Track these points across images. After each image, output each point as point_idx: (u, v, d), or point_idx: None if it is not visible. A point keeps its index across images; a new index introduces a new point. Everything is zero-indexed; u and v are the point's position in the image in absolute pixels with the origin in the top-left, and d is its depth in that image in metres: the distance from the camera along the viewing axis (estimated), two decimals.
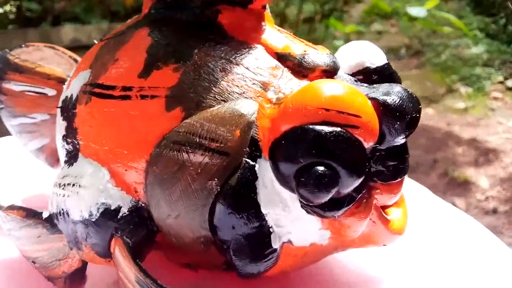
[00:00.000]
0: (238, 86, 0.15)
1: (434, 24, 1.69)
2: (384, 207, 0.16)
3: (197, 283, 0.18)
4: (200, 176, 0.14)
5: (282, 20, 1.31)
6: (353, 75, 0.16)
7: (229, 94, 0.15)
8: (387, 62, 0.16)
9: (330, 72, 0.15)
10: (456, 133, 1.73)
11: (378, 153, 0.15)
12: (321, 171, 0.13)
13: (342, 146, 0.13)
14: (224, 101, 0.14)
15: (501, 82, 1.97)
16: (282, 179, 0.14)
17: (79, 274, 0.18)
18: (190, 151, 0.14)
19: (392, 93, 0.14)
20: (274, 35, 0.16)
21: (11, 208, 0.18)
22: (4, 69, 0.25)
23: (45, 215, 0.18)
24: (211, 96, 0.15)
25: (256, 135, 0.14)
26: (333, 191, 0.13)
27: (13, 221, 0.18)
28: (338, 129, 0.13)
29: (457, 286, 0.19)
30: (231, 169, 0.14)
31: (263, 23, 0.17)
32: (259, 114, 0.14)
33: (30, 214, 0.18)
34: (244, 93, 0.15)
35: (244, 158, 0.14)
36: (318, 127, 0.13)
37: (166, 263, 0.18)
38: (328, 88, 0.14)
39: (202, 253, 0.16)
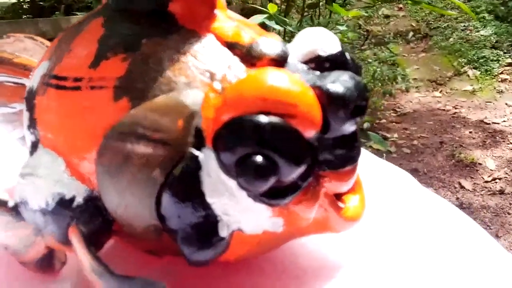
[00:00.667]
0: (185, 76, 0.15)
1: (440, 7, 1.66)
2: (340, 194, 0.17)
3: (161, 268, 0.18)
4: (145, 166, 0.14)
5: (288, 6, 1.29)
6: (306, 62, 0.16)
7: (175, 83, 0.15)
8: (340, 50, 0.16)
9: (279, 60, 0.15)
10: (463, 116, 1.71)
11: (325, 142, 0.14)
12: (258, 161, 0.13)
13: (279, 135, 0.13)
14: (170, 91, 0.15)
15: (509, 64, 1.93)
16: (225, 169, 0.14)
17: (48, 259, 0.19)
18: (134, 141, 0.14)
19: (337, 81, 0.14)
20: (225, 23, 0.16)
21: None
22: None
23: (10, 203, 0.18)
24: (157, 86, 0.15)
25: (200, 125, 0.14)
26: (271, 180, 0.13)
27: None
28: (275, 118, 0.13)
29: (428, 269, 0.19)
30: (174, 159, 0.14)
31: (215, 11, 0.16)
32: (204, 104, 0.14)
33: None
34: (190, 83, 0.15)
35: (188, 148, 0.14)
36: (255, 118, 0.13)
37: (131, 253, 0.18)
38: (266, 78, 0.14)
39: (156, 241, 0.16)
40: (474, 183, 1.27)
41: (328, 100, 0.14)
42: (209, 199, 0.14)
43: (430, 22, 2.42)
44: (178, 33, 0.16)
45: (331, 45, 0.16)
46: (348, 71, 0.15)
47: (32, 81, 0.19)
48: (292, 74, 0.14)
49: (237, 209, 0.15)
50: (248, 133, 0.13)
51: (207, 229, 0.14)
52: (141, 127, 0.14)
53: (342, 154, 0.15)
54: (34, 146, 0.18)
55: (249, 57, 0.15)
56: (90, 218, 0.16)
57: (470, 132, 1.57)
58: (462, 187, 1.26)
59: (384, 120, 1.70)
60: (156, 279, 0.15)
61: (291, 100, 0.13)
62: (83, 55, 0.16)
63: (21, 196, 0.17)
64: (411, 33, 2.38)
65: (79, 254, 0.16)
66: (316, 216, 0.16)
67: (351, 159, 0.15)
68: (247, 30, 0.16)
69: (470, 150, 1.44)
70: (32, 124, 0.18)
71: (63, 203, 0.16)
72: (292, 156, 0.13)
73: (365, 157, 0.31)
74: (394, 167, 0.30)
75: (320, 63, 0.16)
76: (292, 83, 0.14)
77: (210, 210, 0.14)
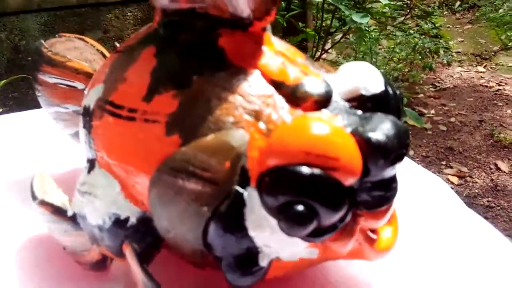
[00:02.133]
0: (232, 116, 0.16)
1: None
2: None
3: (202, 282, 0.20)
4: (194, 201, 0.15)
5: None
6: (349, 100, 0.16)
7: (222, 123, 0.15)
8: (384, 89, 0.16)
9: (322, 102, 0.16)
10: (507, 93, 1.64)
11: (364, 185, 0.15)
12: (299, 210, 0.14)
13: (320, 186, 0.14)
14: (218, 130, 0.15)
15: None
16: (267, 209, 0.15)
17: (101, 263, 0.21)
18: (185, 178, 0.15)
19: (378, 129, 0.15)
20: (271, 59, 0.17)
21: (42, 203, 0.21)
22: (40, 61, 0.27)
23: (69, 213, 0.20)
24: (206, 125, 0.16)
25: (246, 165, 0.15)
26: (311, 226, 0.14)
27: (44, 214, 0.21)
28: (317, 171, 0.14)
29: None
30: (221, 196, 0.15)
31: (262, 47, 0.17)
32: (249, 145, 0.15)
33: (57, 211, 0.20)
34: (237, 122, 0.15)
35: (234, 186, 0.15)
36: (298, 169, 0.14)
37: (177, 263, 0.20)
38: (310, 130, 0.14)
39: (201, 260, 0.17)
40: (511, 165, 1.23)
41: (368, 149, 0.15)
42: (252, 232, 0.15)
43: None
44: (226, 70, 0.16)
45: (374, 84, 0.16)
46: (390, 116, 0.15)
47: (87, 100, 0.20)
48: (334, 122, 0.15)
49: (277, 242, 0.16)
50: (291, 183, 0.14)
51: (248, 259, 0.16)
52: (191, 165, 0.15)
53: (380, 196, 0.16)
54: (92, 164, 0.19)
55: (294, 97, 0.16)
56: (143, 237, 0.17)
57: None
58: (498, 168, 1.22)
59: (421, 95, 1.65)
60: (197, 285, 0.16)
61: (333, 154, 0.14)
62: (137, 86, 0.17)
63: (79, 210, 0.19)
64: (458, 3, 2.26)
65: (133, 268, 0.18)
66: (350, 248, 0.17)
67: (387, 199, 0.16)
68: (292, 68, 0.17)
69: (511, 130, 1.39)
70: (89, 141, 0.19)
71: (118, 223, 0.17)
72: (332, 204, 0.14)
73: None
74: (429, 174, 0.30)
75: (363, 103, 0.16)
76: (335, 135, 0.14)
77: (252, 243, 0.16)
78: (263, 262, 0.16)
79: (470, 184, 1.16)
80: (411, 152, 1.25)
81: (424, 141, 1.35)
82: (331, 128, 0.14)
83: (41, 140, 0.35)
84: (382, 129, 0.15)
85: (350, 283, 0.20)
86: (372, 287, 0.20)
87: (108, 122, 0.18)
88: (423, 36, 1.94)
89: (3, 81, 0.79)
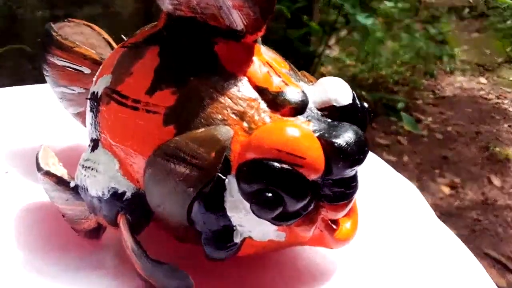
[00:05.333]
0: (220, 114, 0.18)
1: None
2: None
3: (182, 254, 0.23)
4: (182, 182, 0.18)
5: None
6: (321, 109, 0.19)
7: (212, 120, 0.18)
8: (351, 102, 0.19)
9: (298, 109, 0.18)
10: (505, 107, 1.66)
11: (327, 181, 0.18)
12: (268, 196, 0.17)
13: (287, 179, 0.17)
14: (208, 125, 0.18)
15: None
16: (243, 194, 0.18)
17: (96, 231, 0.23)
18: (176, 162, 0.18)
19: (341, 137, 0.18)
20: (259, 68, 0.19)
21: (47, 174, 0.23)
22: (49, 43, 0.29)
23: (72, 184, 0.23)
24: (198, 120, 0.18)
25: (229, 156, 0.18)
26: (277, 211, 0.17)
27: (48, 184, 0.23)
28: (286, 166, 0.17)
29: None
30: (205, 181, 0.18)
31: (252, 57, 0.20)
32: (233, 140, 0.18)
33: (60, 182, 0.23)
34: (224, 120, 0.18)
35: (217, 173, 0.18)
36: (270, 163, 0.17)
37: (162, 237, 0.23)
38: (284, 132, 0.17)
39: (184, 233, 0.20)
40: (504, 180, 1.25)
41: (332, 151, 0.17)
42: (229, 213, 0.18)
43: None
44: (219, 74, 0.19)
45: (344, 97, 0.19)
46: (353, 126, 0.18)
47: (96, 87, 0.23)
48: (305, 126, 0.18)
49: (250, 222, 0.19)
50: (264, 173, 0.17)
51: (225, 235, 0.19)
52: (182, 152, 0.18)
53: (340, 192, 0.18)
54: (95, 144, 0.22)
55: (275, 103, 0.19)
56: (136, 210, 0.20)
57: (510, 126, 1.53)
58: (490, 182, 1.24)
59: (420, 101, 1.67)
60: (179, 259, 0.19)
61: (300, 153, 0.17)
62: (141, 80, 0.20)
63: (81, 182, 0.22)
64: (466, 10, 2.27)
65: (124, 236, 0.20)
66: (313, 234, 0.20)
67: (347, 196, 0.19)
68: (276, 78, 0.19)
69: (506, 145, 1.41)
70: (95, 124, 0.22)
71: (116, 196, 0.20)
72: (296, 194, 0.17)
73: (378, 166, 0.34)
74: (404, 180, 0.32)
75: (333, 112, 0.19)
76: (304, 138, 0.17)
77: (229, 221, 0.18)
78: (237, 239, 0.19)
79: (461, 195, 1.18)
80: (405, 158, 1.28)
81: (420, 148, 1.37)
82: (301, 132, 0.17)
83: (40, 116, 0.37)
84: (344, 136, 0.18)
85: (314, 269, 0.23)
86: (332, 274, 0.23)
87: (113, 109, 0.21)
88: (428, 40, 1.95)
89: None
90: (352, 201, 0.20)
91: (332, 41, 1.39)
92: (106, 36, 0.30)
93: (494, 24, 2.14)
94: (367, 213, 0.23)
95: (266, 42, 0.21)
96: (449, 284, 0.23)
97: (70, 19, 0.31)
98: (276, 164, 0.17)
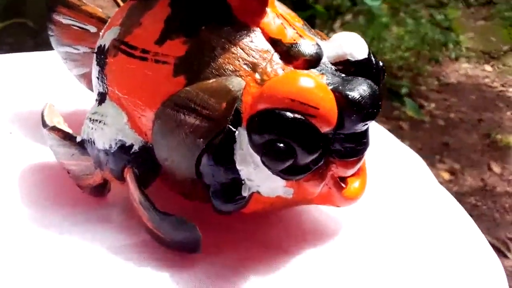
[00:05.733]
0: (232, 65, 0.18)
1: None
2: (346, 176, 0.20)
3: (188, 211, 0.22)
4: (192, 134, 0.18)
5: None
6: (335, 64, 0.19)
7: (223, 70, 0.18)
8: (366, 57, 0.19)
9: (312, 62, 0.18)
10: (508, 95, 1.65)
11: (338, 136, 0.18)
12: (280, 146, 0.16)
13: (300, 129, 0.17)
14: (219, 75, 0.18)
15: None
16: (253, 146, 0.17)
17: (101, 187, 0.23)
18: (186, 113, 0.18)
19: (355, 89, 0.17)
20: (272, 20, 0.19)
21: (53, 129, 0.23)
22: (56, 2, 0.29)
23: (78, 139, 0.22)
24: (209, 70, 0.18)
25: (240, 108, 0.17)
26: (288, 162, 0.17)
27: (53, 140, 0.23)
28: (298, 116, 0.16)
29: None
30: (215, 132, 0.17)
31: (266, 8, 0.19)
32: (245, 91, 0.18)
33: (67, 137, 0.23)
34: (236, 71, 0.18)
35: (227, 125, 0.17)
36: (282, 113, 0.16)
37: (169, 193, 0.22)
38: (297, 82, 0.17)
39: (191, 188, 0.20)
40: (504, 168, 1.25)
41: (345, 104, 0.17)
42: (238, 166, 0.18)
43: None
44: (231, 24, 0.19)
45: (360, 52, 0.19)
46: (368, 80, 0.18)
47: (103, 40, 0.22)
48: (319, 79, 0.17)
49: (258, 176, 0.18)
50: (275, 124, 0.17)
51: (233, 188, 0.18)
52: (193, 103, 0.18)
53: (351, 147, 0.18)
54: (103, 97, 0.21)
55: (288, 55, 0.18)
56: (143, 163, 0.20)
57: None
58: (490, 169, 1.24)
59: (424, 87, 1.66)
60: (185, 215, 0.19)
61: (314, 103, 0.17)
62: (151, 31, 0.19)
63: (88, 135, 0.22)
64: None
65: (131, 189, 0.20)
66: (321, 191, 0.19)
67: (358, 152, 0.18)
68: (290, 30, 0.19)
69: (508, 133, 1.41)
70: (102, 77, 0.22)
71: (123, 148, 0.20)
72: (308, 146, 0.17)
73: (383, 136, 0.33)
74: (409, 151, 0.32)
75: (347, 67, 0.19)
76: (317, 89, 0.17)
77: (238, 175, 0.18)
78: (245, 193, 0.19)
79: (461, 181, 1.18)
80: (406, 143, 1.28)
81: (421, 133, 1.37)
82: (315, 82, 0.17)
83: (43, 81, 0.37)
84: (358, 89, 0.17)
85: (319, 229, 0.23)
86: (336, 234, 0.23)
87: (121, 60, 0.20)
88: (434, 26, 1.93)
89: None
90: (362, 159, 0.19)
91: (337, 24, 1.38)
92: None
93: (501, 12, 2.11)
94: (372, 177, 0.23)
95: None
96: (448, 245, 0.23)
97: None
98: (289, 114, 0.16)
